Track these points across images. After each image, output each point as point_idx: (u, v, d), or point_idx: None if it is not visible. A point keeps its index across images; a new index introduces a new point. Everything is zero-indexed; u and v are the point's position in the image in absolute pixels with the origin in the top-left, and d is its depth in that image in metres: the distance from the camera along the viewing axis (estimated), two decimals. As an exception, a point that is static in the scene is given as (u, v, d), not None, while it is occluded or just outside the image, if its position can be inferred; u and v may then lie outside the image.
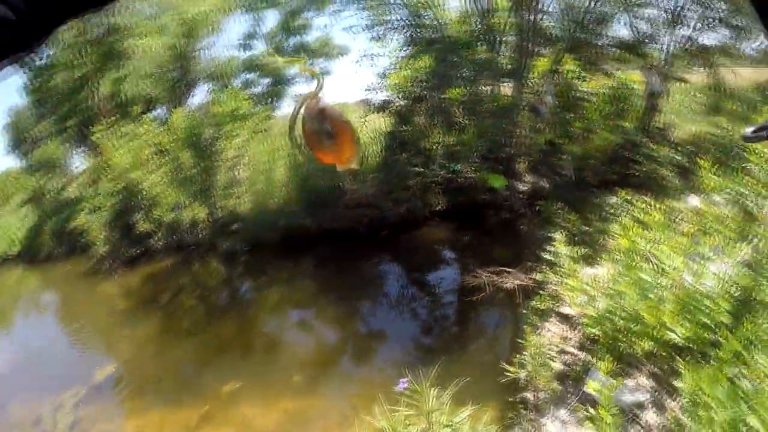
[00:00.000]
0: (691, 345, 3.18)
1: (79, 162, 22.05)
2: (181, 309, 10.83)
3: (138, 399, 7.37)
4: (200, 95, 19.92)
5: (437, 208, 11.58)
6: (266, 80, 21.05)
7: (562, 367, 4.25)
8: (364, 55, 12.67)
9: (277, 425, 5.82)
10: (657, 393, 3.37)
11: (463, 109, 11.71)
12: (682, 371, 2.80)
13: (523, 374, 4.35)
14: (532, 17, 10.69)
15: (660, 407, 3.29)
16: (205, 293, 11.64)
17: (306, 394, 6.32)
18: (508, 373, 4.43)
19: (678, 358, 3.06)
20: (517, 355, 4.48)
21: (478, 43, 11.39)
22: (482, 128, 11.02)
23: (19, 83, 18.93)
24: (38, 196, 22.50)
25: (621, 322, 3.62)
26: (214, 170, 13.60)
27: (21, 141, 27.11)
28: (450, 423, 3.73)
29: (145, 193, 14.11)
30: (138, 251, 14.61)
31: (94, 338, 10.72)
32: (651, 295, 3.53)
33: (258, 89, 20.51)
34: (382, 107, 12.95)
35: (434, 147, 11.89)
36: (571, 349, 4.38)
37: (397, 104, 12.77)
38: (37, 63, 17.84)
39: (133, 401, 7.38)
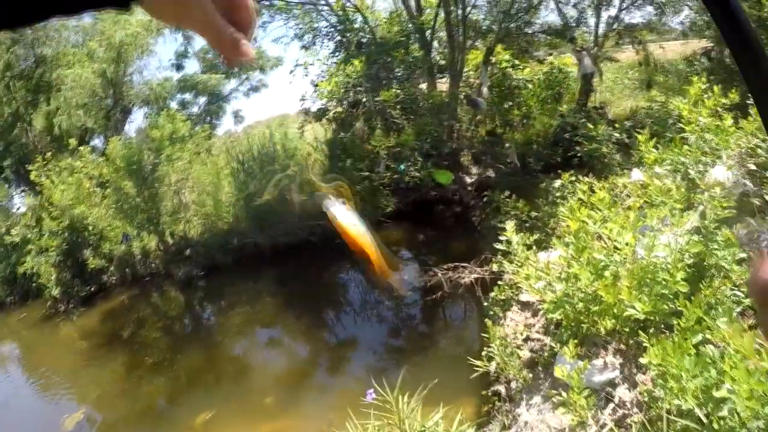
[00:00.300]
0: (652, 318, 3.23)
1: (20, 203, 21.37)
2: (145, 343, 10.61)
3: (111, 442, 7.22)
4: (137, 121, 19.62)
5: (388, 210, 11.56)
6: (202, 99, 20.89)
7: (530, 355, 4.27)
8: (297, 65, 12.64)
9: (253, 451, 5.76)
10: (626, 369, 3.41)
11: (400, 110, 11.76)
12: (647, 345, 2.83)
13: (492, 366, 4.35)
14: (461, 11, 10.79)
15: (631, 382, 3.33)
16: (167, 323, 11.43)
17: (280, 415, 6.26)
18: (477, 368, 4.42)
19: (641, 332, 3.10)
20: (485, 348, 4.48)
21: (410, 42, 11.44)
22: (421, 126, 11.11)
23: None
24: (-20, 244, 21.60)
25: (580, 304, 3.65)
26: (159, 196, 13.34)
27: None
28: (423, 428, 3.70)
29: (91, 228, 13.78)
30: (92, 289, 14.26)
31: (60, 384, 10.41)
32: (606, 274, 3.57)
33: (195, 109, 20.36)
34: (320, 115, 12.92)
35: (377, 150, 11.90)
36: (537, 335, 4.41)
37: (334, 111, 12.72)
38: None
39: (105, 445, 7.24)
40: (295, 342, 8.65)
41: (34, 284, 15.11)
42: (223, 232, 12.36)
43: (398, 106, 11.81)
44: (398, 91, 11.70)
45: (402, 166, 11.23)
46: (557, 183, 6.66)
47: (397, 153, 11.51)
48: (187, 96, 20.80)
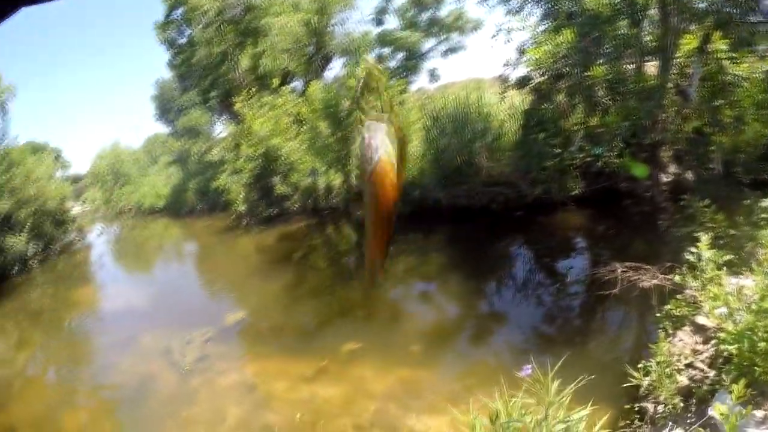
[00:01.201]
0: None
1: (220, 129, 23.84)
2: (311, 268, 11.36)
3: (261, 345, 7.89)
4: (336, 69, 20.72)
5: (574, 193, 11.19)
6: (400, 54, 21.53)
7: (687, 383, 3.99)
8: (500, 29, 12.18)
9: (389, 390, 5.92)
10: (786, 431, 3.08)
11: (605, 89, 10.95)
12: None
13: (645, 382, 4.14)
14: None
15: (785, 448, 3.01)
16: (335, 256, 12.07)
17: (421, 365, 6.38)
18: (631, 378, 4.23)
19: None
20: (642, 361, 4.26)
21: (620, 18, 10.48)
22: (626, 110, 10.25)
23: (164, 59, 20.85)
24: (183, 158, 24.50)
25: (762, 343, 3.34)
26: (351, 140, 13.93)
27: (167, 110, 30.13)
28: (567, 419, 3.61)
29: (283, 158, 14.85)
30: (275, 211, 15.57)
31: (228, 286, 11.58)
32: (796, 317, 3.23)
33: (392, 63, 21.04)
34: (521, 84, 12.48)
35: (574, 128, 11.40)
36: (701, 365, 4.09)
37: (536, 81, 12.19)
38: (179, 41, 19.57)
39: (257, 346, 7.92)
40: (449, 302, 8.70)
41: (222, 198, 16.86)
42: (405, 183, 12.69)
43: (604, 86, 11.04)
44: (607, 68, 10.92)
45: (600, 150, 10.66)
46: (765, 203, 6.03)
47: (596, 135, 10.94)
48: (385, 50, 21.49)
